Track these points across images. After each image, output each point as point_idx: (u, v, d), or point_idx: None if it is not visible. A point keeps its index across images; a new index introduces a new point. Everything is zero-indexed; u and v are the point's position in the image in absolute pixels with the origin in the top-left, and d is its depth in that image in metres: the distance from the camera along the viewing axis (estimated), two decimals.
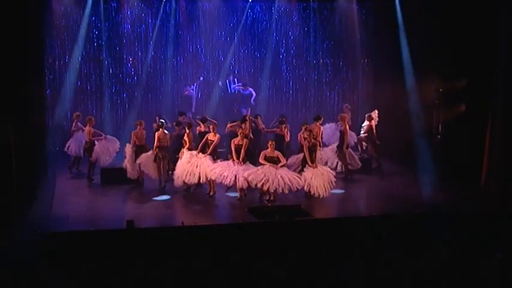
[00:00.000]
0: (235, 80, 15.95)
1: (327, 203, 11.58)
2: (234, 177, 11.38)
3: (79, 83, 15.44)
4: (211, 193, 11.88)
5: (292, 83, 16.79)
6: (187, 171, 11.96)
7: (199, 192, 12.18)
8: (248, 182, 11.31)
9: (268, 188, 11.10)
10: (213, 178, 11.68)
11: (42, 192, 12.09)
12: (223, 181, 11.47)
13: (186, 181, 12.00)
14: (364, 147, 14.59)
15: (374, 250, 8.27)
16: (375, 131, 14.10)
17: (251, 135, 12.68)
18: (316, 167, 11.66)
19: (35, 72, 12.59)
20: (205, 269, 7.41)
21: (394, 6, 15.13)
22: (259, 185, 11.20)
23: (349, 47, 16.70)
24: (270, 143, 11.54)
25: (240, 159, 11.55)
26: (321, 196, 11.39)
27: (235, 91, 15.85)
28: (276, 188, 11.10)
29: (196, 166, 11.96)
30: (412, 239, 9.18)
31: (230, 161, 11.69)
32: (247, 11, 16.23)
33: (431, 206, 10.74)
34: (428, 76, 14.02)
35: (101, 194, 12.37)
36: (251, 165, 11.63)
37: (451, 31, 13.07)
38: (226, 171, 11.48)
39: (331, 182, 11.67)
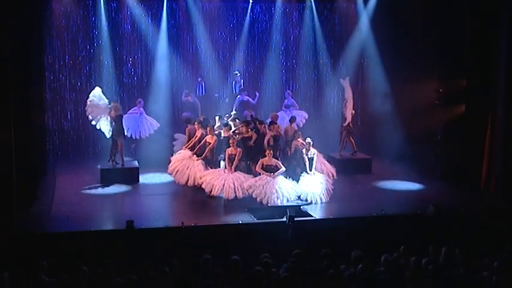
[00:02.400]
0: (242, 82, 15.86)
1: (327, 204, 11.58)
2: (222, 186, 11.38)
3: (79, 83, 15.41)
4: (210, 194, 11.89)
5: (292, 83, 16.76)
6: (178, 170, 12.08)
7: (199, 193, 12.18)
8: (246, 191, 11.38)
9: (267, 202, 11.18)
10: (203, 186, 11.71)
11: (42, 192, 12.10)
12: (212, 191, 11.49)
13: (174, 179, 12.18)
14: (354, 146, 14.61)
15: (374, 250, 8.25)
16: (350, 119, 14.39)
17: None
18: (314, 175, 11.70)
19: (35, 72, 12.58)
20: (205, 269, 7.40)
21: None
22: (258, 199, 11.26)
23: (350, 47, 16.68)
24: (267, 151, 11.54)
25: (232, 168, 11.56)
26: (318, 203, 11.42)
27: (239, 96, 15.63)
28: (274, 201, 11.16)
29: (187, 168, 12.03)
30: (413, 239, 9.16)
31: (221, 169, 11.77)
32: (248, 11, 16.21)
33: (432, 206, 10.72)
34: (428, 76, 14.03)
35: (100, 194, 12.36)
36: (242, 174, 11.65)
37: (451, 31, 13.08)
38: (215, 180, 11.49)
39: (329, 190, 11.70)
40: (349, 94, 14.48)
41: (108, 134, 13.22)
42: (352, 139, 14.66)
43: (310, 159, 11.79)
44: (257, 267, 7.27)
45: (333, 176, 12.33)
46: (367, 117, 15.14)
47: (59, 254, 8.77)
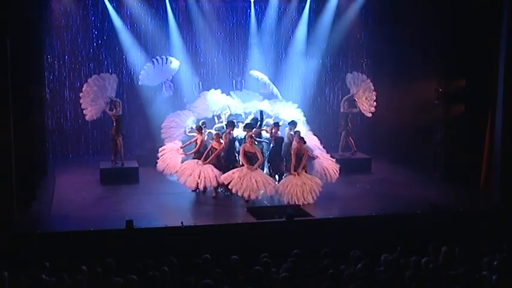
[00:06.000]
0: (243, 81, 15.81)
1: (327, 203, 11.57)
2: (197, 177, 11.63)
3: (79, 83, 15.39)
4: (213, 194, 11.99)
5: (292, 83, 16.74)
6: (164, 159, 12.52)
7: (199, 193, 12.19)
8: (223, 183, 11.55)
9: (242, 194, 11.23)
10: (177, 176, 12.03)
11: (41, 192, 12.09)
12: (188, 183, 11.76)
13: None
14: (353, 146, 14.64)
15: (374, 250, 8.27)
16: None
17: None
18: (298, 175, 11.47)
19: (34, 72, 12.58)
20: (205, 269, 7.41)
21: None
22: (233, 191, 11.33)
23: (349, 47, 16.69)
24: (248, 139, 11.54)
25: (207, 161, 11.75)
26: (297, 204, 11.28)
27: None
28: (250, 194, 11.17)
29: (170, 158, 12.43)
30: (413, 239, 9.17)
31: (195, 161, 11.92)
32: (252, 10, 16.21)
33: (431, 206, 10.74)
34: (428, 76, 14.02)
35: (100, 194, 12.36)
36: (212, 167, 11.74)
37: (451, 30, 13.08)
38: (188, 170, 11.78)
39: (313, 191, 11.45)
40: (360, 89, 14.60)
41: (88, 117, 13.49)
42: (351, 139, 14.69)
43: (298, 157, 11.59)
44: (257, 267, 7.28)
45: (332, 176, 12.13)
46: (366, 117, 15.11)
47: (59, 254, 8.77)
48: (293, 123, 12.49)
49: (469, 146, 12.90)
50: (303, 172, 11.68)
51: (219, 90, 13.44)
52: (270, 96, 14.12)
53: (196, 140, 12.30)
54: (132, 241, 9.30)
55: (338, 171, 12.21)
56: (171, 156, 12.40)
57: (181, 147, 12.52)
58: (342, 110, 14.76)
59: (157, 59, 14.41)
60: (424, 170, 14.06)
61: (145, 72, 14.43)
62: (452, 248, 7.93)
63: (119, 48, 15.54)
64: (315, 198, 11.48)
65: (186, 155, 12.38)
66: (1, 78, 9.64)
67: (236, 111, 13.23)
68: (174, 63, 14.60)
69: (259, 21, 16.31)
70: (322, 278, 7.14)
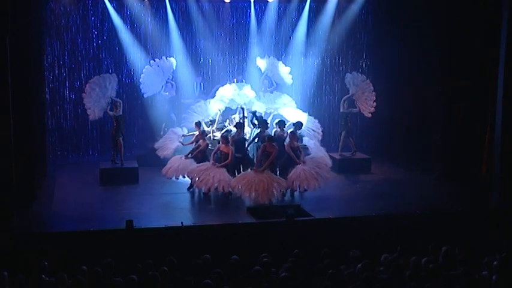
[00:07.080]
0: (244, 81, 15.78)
1: (327, 203, 11.57)
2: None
3: (79, 83, 15.40)
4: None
5: (292, 83, 16.72)
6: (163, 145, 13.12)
7: (199, 193, 12.20)
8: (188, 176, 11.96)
9: (198, 185, 11.61)
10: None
11: (41, 192, 12.09)
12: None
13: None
14: (353, 146, 14.64)
15: (373, 250, 8.27)
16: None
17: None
18: (259, 172, 11.21)
19: (34, 72, 12.58)
20: (205, 269, 7.41)
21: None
22: (192, 181, 11.83)
23: (349, 47, 16.69)
24: (222, 140, 11.80)
25: (191, 155, 12.18)
26: (250, 200, 11.16)
27: None
28: (203, 187, 11.46)
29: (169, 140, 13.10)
30: (412, 239, 9.18)
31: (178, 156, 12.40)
32: (247, 10, 16.22)
33: (431, 206, 10.74)
34: (428, 76, 14.03)
35: (100, 194, 12.37)
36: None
37: (451, 31, 13.09)
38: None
39: (271, 191, 11.05)
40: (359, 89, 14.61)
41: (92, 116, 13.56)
42: (351, 139, 14.69)
43: (265, 155, 11.41)
44: (257, 267, 7.28)
45: (309, 186, 11.54)
46: (366, 117, 15.11)
47: (59, 254, 8.77)
48: (298, 124, 12.42)
49: (469, 146, 12.90)
50: (268, 171, 11.32)
51: (248, 86, 13.56)
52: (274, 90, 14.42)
53: (196, 134, 12.47)
54: (132, 241, 9.30)
55: (319, 184, 11.57)
56: (170, 140, 12.83)
57: (183, 136, 12.83)
58: (341, 110, 14.77)
59: (151, 65, 14.46)
60: (424, 170, 14.06)
61: (144, 83, 14.47)
62: (452, 248, 7.93)
63: (118, 48, 15.55)
64: (272, 199, 11.10)
65: (183, 144, 12.66)
66: (1, 78, 9.63)
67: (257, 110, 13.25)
68: (171, 59, 14.67)
69: (259, 21, 16.31)
70: (322, 278, 7.14)
